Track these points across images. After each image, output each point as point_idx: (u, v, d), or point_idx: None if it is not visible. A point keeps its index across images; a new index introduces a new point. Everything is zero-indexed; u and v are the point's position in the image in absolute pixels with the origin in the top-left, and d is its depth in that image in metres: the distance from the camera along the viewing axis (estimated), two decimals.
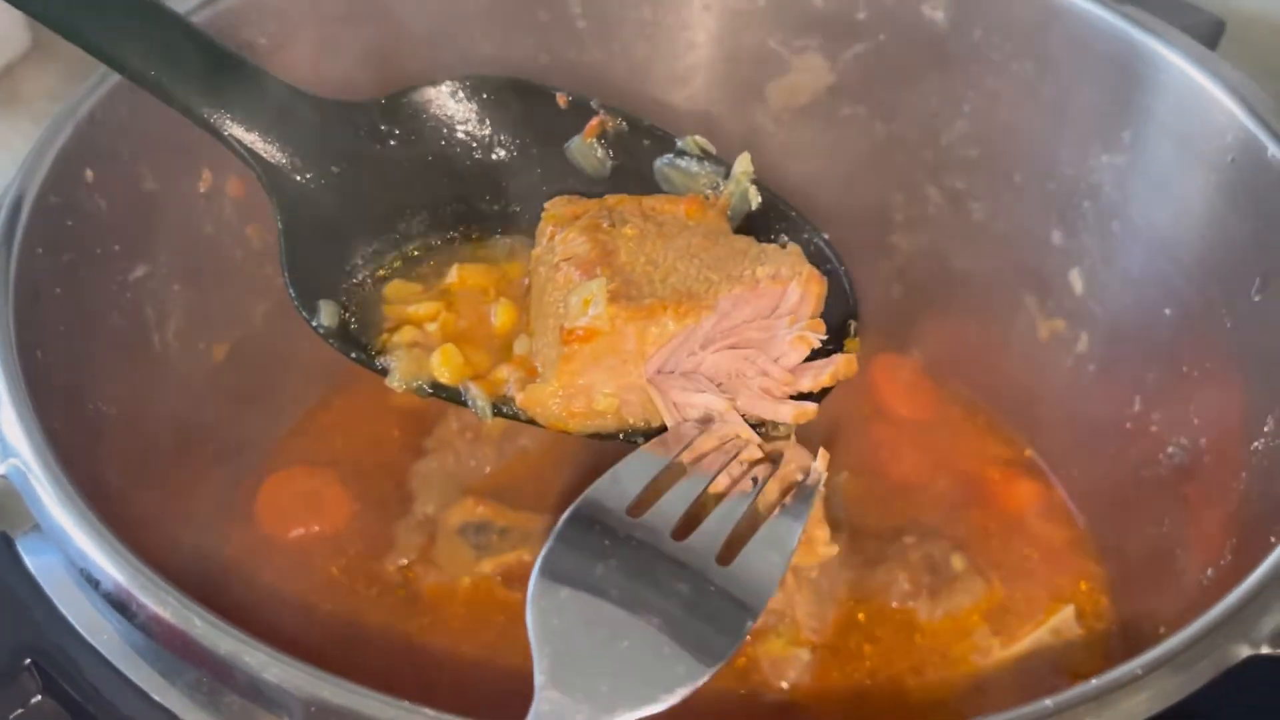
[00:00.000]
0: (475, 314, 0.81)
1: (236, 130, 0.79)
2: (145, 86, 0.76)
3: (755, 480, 0.75)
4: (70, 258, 0.76)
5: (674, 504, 0.72)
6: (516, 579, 0.92)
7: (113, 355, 0.81)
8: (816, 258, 0.82)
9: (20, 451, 0.62)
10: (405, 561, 0.94)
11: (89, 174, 0.78)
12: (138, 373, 0.84)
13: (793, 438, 0.77)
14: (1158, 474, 0.89)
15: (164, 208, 0.85)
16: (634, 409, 0.76)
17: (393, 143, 0.85)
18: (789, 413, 0.76)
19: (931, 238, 1.04)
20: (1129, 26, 0.86)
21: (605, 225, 0.78)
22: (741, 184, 0.84)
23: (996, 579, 0.95)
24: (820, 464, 0.76)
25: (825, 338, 0.76)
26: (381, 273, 0.83)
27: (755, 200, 0.84)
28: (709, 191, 0.85)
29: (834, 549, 0.83)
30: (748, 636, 0.68)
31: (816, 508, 0.79)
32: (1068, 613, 0.92)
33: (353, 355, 0.78)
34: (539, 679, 0.60)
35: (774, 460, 0.78)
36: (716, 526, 0.71)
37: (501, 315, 0.81)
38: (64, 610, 0.60)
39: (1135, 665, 0.58)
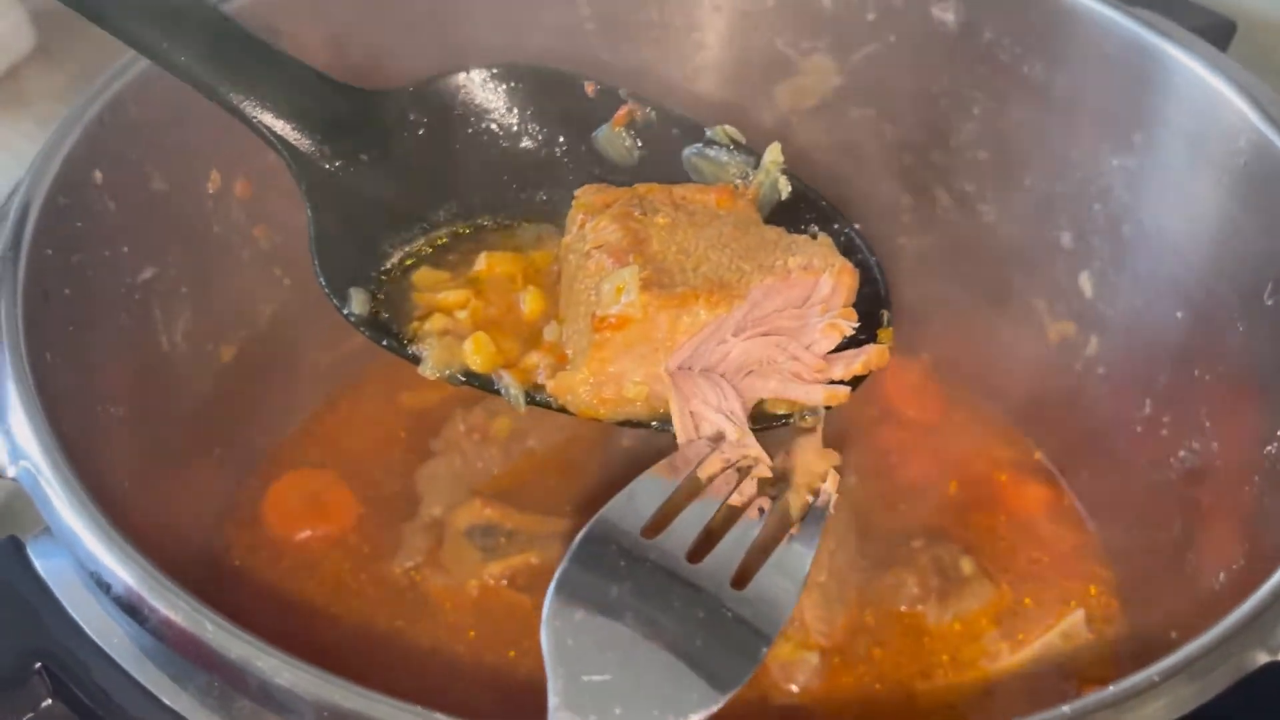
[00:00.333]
0: (504, 302, 0.81)
1: (265, 117, 0.79)
2: (174, 72, 0.76)
3: (766, 505, 0.75)
4: (79, 259, 0.76)
5: (688, 526, 0.72)
6: (524, 582, 0.92)
7: (121, 356, 0.81)
8: (847, 248, 0.81)
9: (31, 454, 0.61)
10: (412, 564, 0.94)
11: (98, 175, 0.78)
12: (146, 374, 0.84)
13: (820, 430, 0.77)
14: (1168, 477, 0.89)
15: (172, 209, 0.85)
16: (663, 397, 0.75)
17: (421, 131, 0.85)
18: (820, 395, 0.75)
19: (940, 240, 1.04)
20: (1140, 28, 0.85)
21: (636, 214, 0.77)
22: (772, 174, 0.84)
23: (1006, 583, 0.95)
24: (830, 485, 0.76)
25: (858, 325, 0.76)
26: (409, 260, 0.83)
27: (785, 190, 0.84)
28: (738, 181, 0.85)
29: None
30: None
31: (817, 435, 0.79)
32: (1077, 617, 0.92)
33: (384, 343, 0.77)
34: (552, 700, 0.60)
35: (784, 479, 0.78)
36: (730, 550, 0.71)
37: (530, 303, 0.80)
38: (74, 614, 0.59)
39: (1152, 672, 0.58)
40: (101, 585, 0.57)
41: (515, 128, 0.87)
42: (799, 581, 0.71)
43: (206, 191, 0.88)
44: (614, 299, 0.72)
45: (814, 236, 0.79)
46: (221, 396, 0.93)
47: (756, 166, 0.85)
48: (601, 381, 0.74)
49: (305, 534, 0.96)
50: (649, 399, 0.75)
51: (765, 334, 0.75)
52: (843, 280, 0.75)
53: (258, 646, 0.54)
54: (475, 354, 0.77)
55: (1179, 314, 0.88)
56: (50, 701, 0.59)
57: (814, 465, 0.78)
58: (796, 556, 0.72)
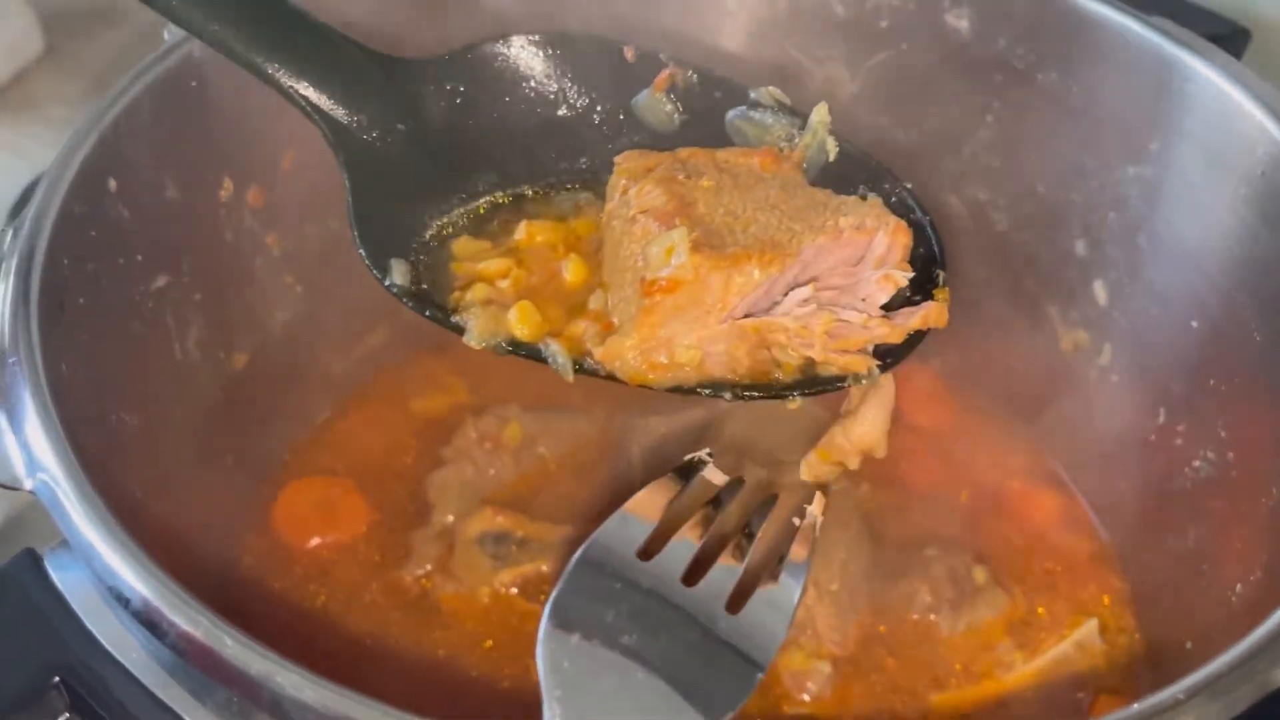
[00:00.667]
0: (546, 270, 0.79)
1: (301, 85, 0.78)
2: (210, 42, 0.75)
3: (754, 530, 0.76)
4: (94, 268, 0.76)
5: (682, 549, 0.73)
6: (535, 590, 0.92)
7: (134, 365, 0.80)
8: (899, 208, 0.80)
9: (48, 466, 0.61)
10: (423, 572, 0.93)
11: (113, 183, 0.77)
12: (158, 382, 0.84)
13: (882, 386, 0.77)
14: (1183, 487, 0.88)
15: (185, 216, 0.85)
16: (717, 360, 0.74)
17: (458, 99, 0.84)
18: (883, 331, 0.74)
19: (952, 247, 1.02)
20: (1157, 37, 0.85)
21: (680, 177, 0.76)
22: (819, 134, 0.82)
23: (1019, 592, 0.94)
24: (816, 508, 0.76)
25: (912, 275, 0.75)
26: (449, 230, 0.82)
27: (833, 151, 0.83)
28: (783, 144, 0.83)
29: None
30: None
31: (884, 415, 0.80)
32: (1091, 626, 0.92)
33: (427, 313, 0.76)
34: None
35: (771, 501, 0.80)
36: (724, 575, 0.72)
37: (573, 271, 0.79)
38: (91, 627, 0.59)
39: (1177, 690, 0.57)
40: (120, 600, 0.56)
41: (554, 95, 0.86)
42: (788, 615, 0.72)
43: (219, 199, 0.88)
44: (664, 261, 0.70)
45: (863, 198, 0.78)
46: (233, 404, 0.93)
47: (802, 128, 0.83)
48: (652, 347, 0.72)
49: (316, 541, 0.95)
50: (700, 364, 0.74)
51: (821, 289, 0.74)
52: (898, 238, 0.74)
53: (278, 663, 0.54)
54: (521, 322, 0.75)
55: (1194, 323, 0.87)
56: (68, 716, 0.59)
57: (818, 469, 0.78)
58: (785, 592, 0.73)
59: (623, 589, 0.69)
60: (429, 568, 0.93)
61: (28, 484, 0.61)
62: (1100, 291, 0.95)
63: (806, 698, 0.87)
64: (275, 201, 0.92)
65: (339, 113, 0.79)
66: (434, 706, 0.55)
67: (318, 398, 1.03)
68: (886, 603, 0.92)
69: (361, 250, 0.76)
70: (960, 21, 0.93)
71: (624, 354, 0.73)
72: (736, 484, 0.82)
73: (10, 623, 0.61)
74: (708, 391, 0.74)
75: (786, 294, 0.73)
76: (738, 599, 0.72)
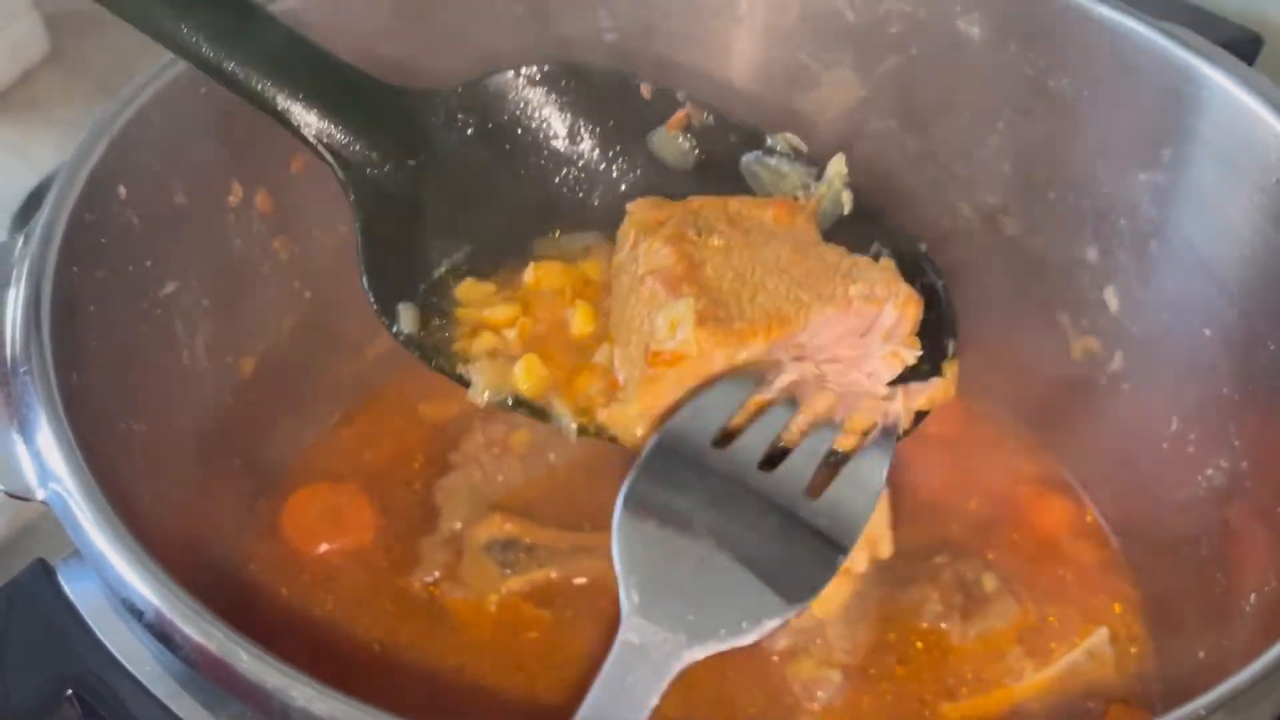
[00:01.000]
0: (552, 318, 0.79)
1: (312, 121, 0.76)
2: (216, 76, 0.75)
3: (840, 416, 0.73)
4: (103, 275, 0.75)
5: (758, 437, 0.70)
6: (544, 597, 0.92)
7: (143, 372, 0.80)
8: (913, 269, 0.79)
9: (61, 476, 0.61)
10: (431, 578, 0.93)
11: (122, 190, 0.77)
12: (167, 388, 0.84)
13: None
14: (1196, 495, 0.88)
15: (194, 222, 0.84)
16: None
17: (469, 132, 0.83)
18: (887, 375, 0.74)
19: (962, 253, 1.02)
20: (1170, 44, 0.85)
21: (691, 234, 0.75)
22: (835, 186, 0.82)
23: (1029, 600, 0.94)
24: (899, 405, 0.74)
25: (920, 354, 0.75)
26: (455, 271, 0.81)
27: (848, 205, 0.82)
28: (799, 193, 0.83)
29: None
30: (837, 572, 0.68)
31: (884, 507, 0.78)
32: (1102, 635, 0.91)
33: (434, 364, 0.76)
34: (625, 607, 0.60)
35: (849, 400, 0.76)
36: (803, 460, 0.70)
37: (580, 321, 0.78)
38: (104, 639, 0.59)
39: (1199, 705, 0.57)
40: (133, 611, 0.56)
41: (567, 129, 0.85)
42: (874, 492, 0.70)
43: (228, 204, 0.88)
44: (669, 334, 0.70)
45: (876, 257, 0.77)
46: (241, 409, 0.93)
47: (818, 178, 0.83)
48: (655, 417, 0.72)
49: (324, 547, 0.95)
50: None
51: (824, 362, 0.73)
52: (907, 310, 0.73)
53: (293, 676, 0.53)
54: (527, 378, 0.75)
55: (1207, 331, 0.87)
56: None
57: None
58: (871, 465, 0.71)
59: (697, 476, 0.68)
60: (437, 574, 0.93)
61: (39, 494, 0.61)
62: (1111, 298, 0.95)
63: (816, 706, 0.87)
64: (284, 206, 0.91)
65: (351, 150, 0.77)
66: (443, 715, 0.55)
67: (326, 403, 1.03)
68: (896, 611, 0.92)
69: (370, 296, 0.76)
70: (971, 27, 0.92)
71: (628, 423, 0.73)
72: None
73: (22, 634, 0.60)
74: None
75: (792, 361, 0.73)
76: (818, 485, 0.70)
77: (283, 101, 0.76)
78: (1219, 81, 0.82)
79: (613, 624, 0.89)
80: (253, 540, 0.95)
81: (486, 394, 0.75)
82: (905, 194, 1.01)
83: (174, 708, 0.57)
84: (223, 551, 0.93)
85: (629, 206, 0.81)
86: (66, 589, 0.60)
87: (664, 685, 0.59)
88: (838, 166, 0.82)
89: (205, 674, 0.55)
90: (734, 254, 0.75)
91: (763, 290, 0.73)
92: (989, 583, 0.94)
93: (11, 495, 0.61)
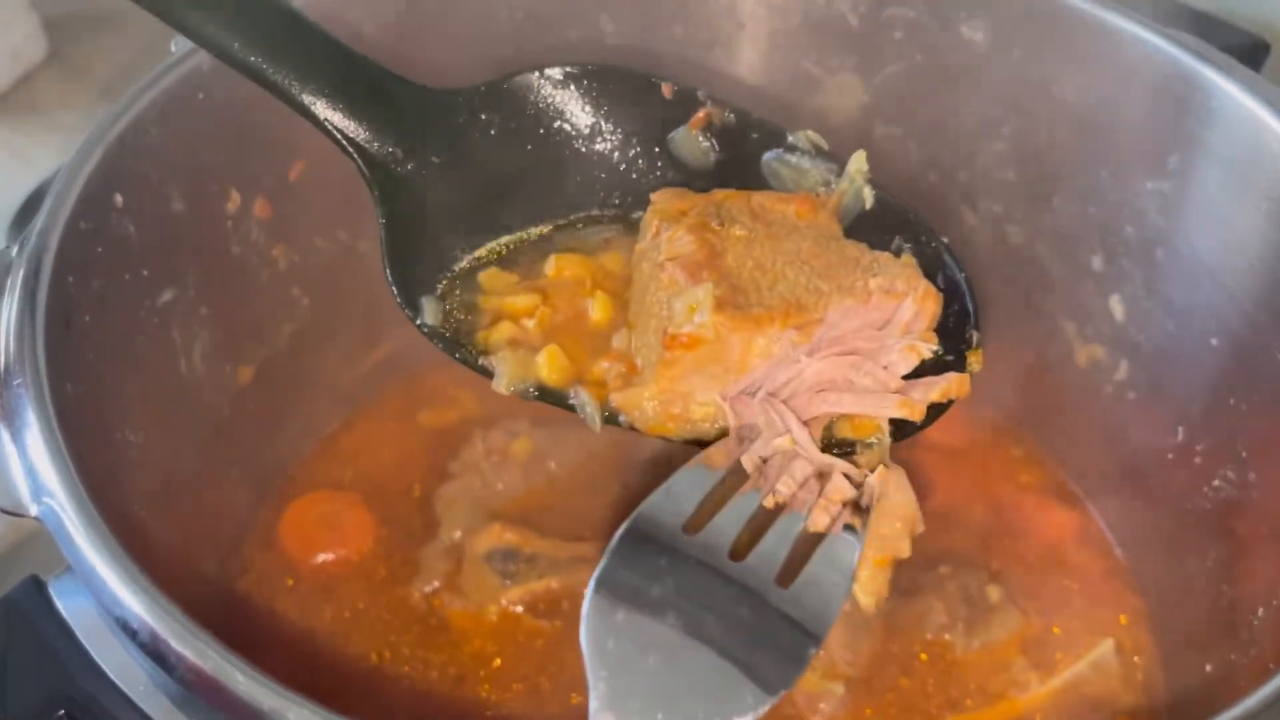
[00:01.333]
0: (572, 308, 0.79)
1: (337, 119, 0.77)
2: (241, 69, 0.75)
3: (810, 497, 0.72)
4: (100, 284, 0.74)
5: (730, 522, 0.70)
6: (545, 608, 0.91)
7: (140, 382, 0.79)
8: (935, 262, 0.80)
9: (54, 492, 0.60)
10: (431, 589, 0.92)
11: (119, 199, 0.76)
12: (164, 398, 0.83)
13: (886, 458, 0.75)
14: (1202, 507, 0.87)
15: (192, 230, 0.84)
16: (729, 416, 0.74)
17: (492, 131, 0.83)
18: (895, 407, 0.74)
19: (966, 260, 1.01)
20: (1177, 51, 0.84)
21: (714, 224, 0.76)
22: (856, 182, 0.82)
23: (1034, 611, 0.93)
24: (874, 478, 0.74)
25: (939, 349, 0.75)
26: (478, 263, 0.81)
27: (869, 201, 0.82)
28: (820, 189, 0.83)
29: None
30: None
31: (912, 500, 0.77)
32: (1107, 647, 0.91)
33: (457, 356, 0.76)
34: (593, 704, 0.59)
35: (823, 475, 0.75)
36: (774, 546, 0.69)
37: (598, 309, 0.79)
38: (98, 657, 0.58)
39: None
40: (127, 630, 0.55)
41: (588, 128, 0.85)
42: (848, 575, 0.69)
43: (226, 212, 0.87)
44: (687, 317, 0.70)
45: (898, 253, 0.77)
46: (239, 418, 0.92)
47: (839, 175, 0.83)
48: (669, 399, 0.72)
49: (322, 557, 0.95)
50: (715, 419, 0.74)
51: (841, 354, 0.73)
52: (926, 305, 0.74)
53: (289, 698, 0.53)
54: (549, 368, 0.75)
55: (1214, 341, 0.86)
56: None
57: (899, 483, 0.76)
58: (845, 548, 0.70)
59: (669, 564, 0.66)
60: (437, 584, 0.92)
61: (33, 510, 0.60)
62: (1117, 306, 0.94)
63: (819, 719, 0.86)
64: (283, 213, 0.90)
65: (375, 146, 0.78)
66: None
67: (324, 411, 1.02)
68: (900, 622, 0.91)
69: (394, 289, 0.76)
70: (975, 34, 0.92)
71: (641, 404, 0.73)
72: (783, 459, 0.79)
73: (14, 653, 0.60)
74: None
75: (810, 355, 0.73)
76: (789, 572, 0.69)
77: (309, 97, 0.76)
78: (1226, 89, 0.81)
79: None
80: (250, 550, 0.94)
81: (509, 385, 0.75)
82: (906, 200, 1.01)
83: None
84: (220, 562, 0.92)
85: (653, 196, 0.81)
86: (60, 606, 0.60)
87: None
88: (858, 163, 0.83)
89: (200, 694, 0.54)
90: (755, 244, 0.75)
91: (782, 280, 0.73)
92: (993, 593, 0.93)
93: (3, 511, 0.60)
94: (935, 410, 0.76)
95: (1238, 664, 0.79)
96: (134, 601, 0.56)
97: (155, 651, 0.55)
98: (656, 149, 0.86)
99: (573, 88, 0.85)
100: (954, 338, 0.77)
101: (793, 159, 0.84)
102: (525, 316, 0.78)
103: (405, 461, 1.01)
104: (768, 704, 0.60)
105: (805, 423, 0.74)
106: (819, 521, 0.72)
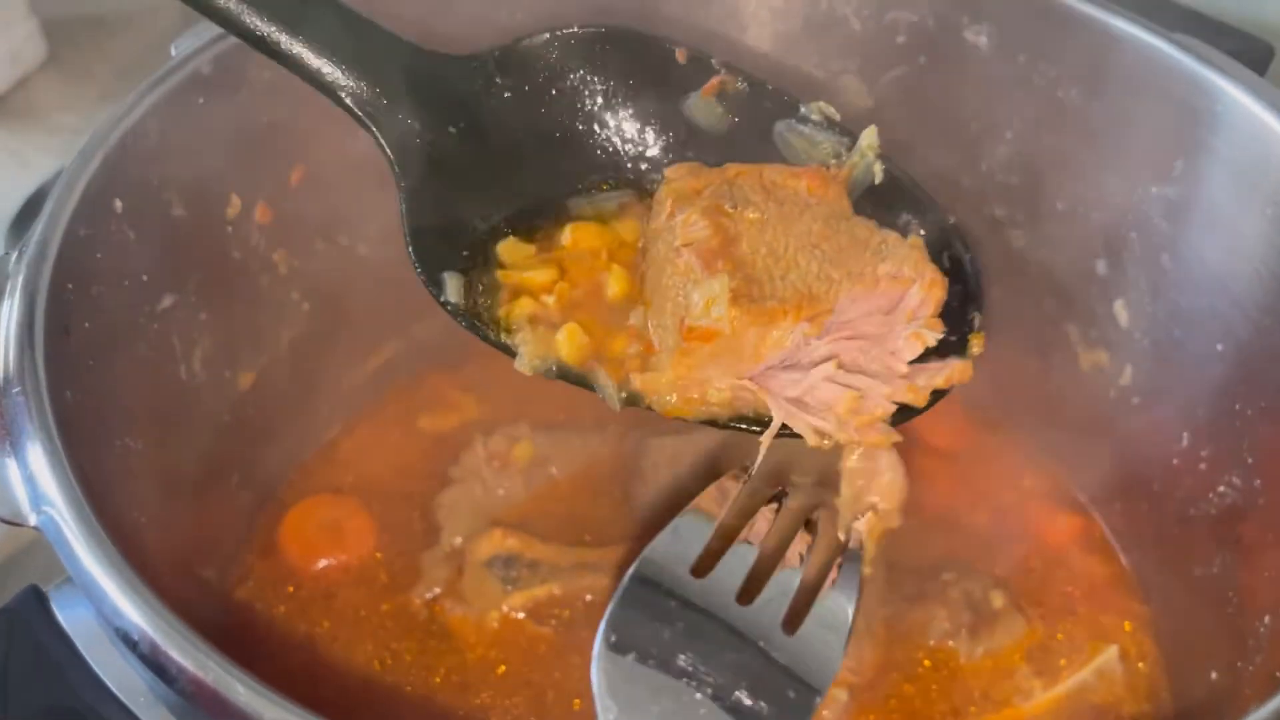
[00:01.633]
0: (589, 282, 0.79)
1: (353, 88, 0.76)
2: (256, 45, 0.73)
3: (804, 549, 0.76)
4: (99, 291, 0.74)
5: (735, 566, 0.72)
6: (546, 614, 0.91)
7: (140, 388, 0.79)
8: (941, 242, 0.80)
9: (54, 501, 0.60)
10: (432, 595, 0.92)
11: (118, 205, 0.76)
12: (164, 405, 0.83)
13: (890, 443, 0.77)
14: (1208, 513, 0.87)
15: (192, 235, 0.83)
16: (746, 400, 0.75)
17: (507, 95, 0.83)
18: (902, 394, 0.75)
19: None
20: (1182, 55, 0.83)
21: (727, 207, 0.76)
22: (867, 157, 0.83)
23: (1037, 617, 0.93)
24: (862, 525, 0.75)
25: (941, 335, 0.76)
26: (495, 233, 0.81)
27: (879, 176, 0.83)
28: (831, 161, 0.83)
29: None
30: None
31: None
32: (1111, 653, 0.90)
33: (481, 334, 0.76)
34: None
35: (810, 524, 0.79)
36: (779, 594, 0.72)
37: (615, 284, 0.79)
38: (98, 669, 0.58)
39: None
40: (127, 641, 0.55)
41: (602, 91, 0.85)
42: (843, 634, 0.71)
43: (226, 217, 0.86)
44: (704, 311, 0.72)
45: (905, 230, 0.78)
46: (239, 424, 0.92)
47: (850, 148, 0.84)
48: (687, 385, 0.74)
49: (323, 563, 0.94)
50: (730, 403, 0.75)
51: (849, 338, 0.74)
52: (932, 292, 0.75)
53: (289, 709, 0.52)
54: (569, 347, 0.76)
55: (1219, 346, 0.86)
56: None
57: (862, 495, 0.77)
58: (838, 608, 0.72)
59: (677, 607, 0.69)
60: (438, 590, 0.92)
61: (32, 519, 0.60)
62: (1121, 312, 0.94)
63: None
64: (283, 218, 0.90)
65: (392, 118, 0.77)
66: None
67: (324, 416, 1.02)
68: (903, 629, 0.91)
69: (416, 266, 0.76)
70: (979, 37, 0.91)
71: (660, 389, 0.74)
72: (781, 497, 0.82)
73: (13, 664, 0.59)
74: (741, 427, 0.75)
75: (819, 338, 0.74)
76: (793, 619, 0.71)
77: (327, 70, 0.75)
78: (1232, 94, 0.81)
79: None
80: (251, 557, 0.94)
81: (531, 364, 0.76)
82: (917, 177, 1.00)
83: None
84: (220, 569, 0.92)
85: (667, 172, 0.82)
86: (59, 617, 0.59)
87: None
88: (869, 138, 0.83)
89: (200, 706, 0.54)
90: (768, 228, 0.76)
91: (795, 267, 0.74)
92: (997, 600, 0.93)
93: (3, 520, 0.60)
94: (936, 395, 0.76)
95: (1243, 671, 0.78)
96: (134, 612, 0.55)
97: (155, 663, 0.54)
98: (671, 112, 0.86)
99: (586, 50, 0.85)
100: (957, 319, 0.77)
101: (805, 129, 0.85)
102: (544, 292, 0.79)
103: (406, 467, 1.00)
104: None
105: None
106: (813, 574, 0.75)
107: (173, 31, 0.84)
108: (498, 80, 0.83)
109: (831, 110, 0.85)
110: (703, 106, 0.85)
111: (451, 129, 0.80)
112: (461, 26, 0.86)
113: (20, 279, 0.68)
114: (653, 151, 0.85)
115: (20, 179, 1.21)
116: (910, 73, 0.95)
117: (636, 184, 0.85)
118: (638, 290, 0.79)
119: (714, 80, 0.85)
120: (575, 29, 0.85)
